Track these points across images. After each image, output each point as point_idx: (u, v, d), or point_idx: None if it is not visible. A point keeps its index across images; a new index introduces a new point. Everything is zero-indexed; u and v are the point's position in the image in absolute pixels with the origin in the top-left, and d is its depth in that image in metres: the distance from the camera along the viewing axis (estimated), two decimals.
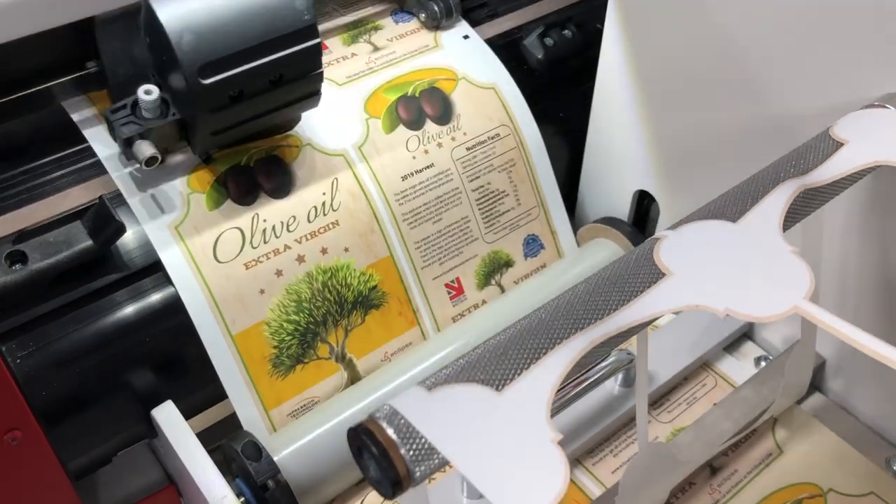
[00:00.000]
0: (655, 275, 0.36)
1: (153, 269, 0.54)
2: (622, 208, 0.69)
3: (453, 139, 0.61)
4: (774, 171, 0.41)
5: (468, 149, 0.62)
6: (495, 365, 0.32)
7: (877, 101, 0.46)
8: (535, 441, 0.30)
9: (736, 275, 0.36)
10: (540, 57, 0.69)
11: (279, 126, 0.56)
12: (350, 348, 0.58)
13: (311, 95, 0.52)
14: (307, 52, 0.49)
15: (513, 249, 0.65)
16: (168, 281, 0.53)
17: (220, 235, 0.53)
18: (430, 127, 0.61)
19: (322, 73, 0.51)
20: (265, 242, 0.54)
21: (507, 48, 0.68)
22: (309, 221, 0.56)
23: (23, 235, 0.50)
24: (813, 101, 0.52)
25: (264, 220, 0.54)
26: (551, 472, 0.29)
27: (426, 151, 0.60)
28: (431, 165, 0.60)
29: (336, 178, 0.57)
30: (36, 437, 0.49)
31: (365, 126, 0.59)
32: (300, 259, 0.55)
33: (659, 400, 0.61)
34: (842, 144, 0.43)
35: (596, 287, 0.36)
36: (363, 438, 0.31)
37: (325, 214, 0.56)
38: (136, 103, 0.50)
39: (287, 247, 0.55)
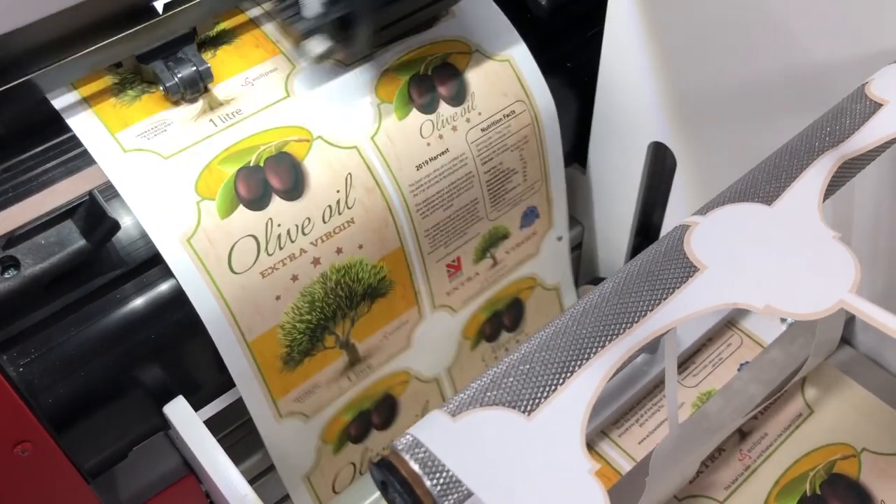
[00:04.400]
0: (688, 269, 0.33)
1: (152, 263, 0.52)
2: (636, 162, 0.66)
3: (468, 121, 0.58)
4: (809, 140, 0.38)
5: (483, 130, 0.58)
6: (522, 384, 0.30)
7: None
8: (570, 472, 0.28)
9: (775, 266, 0.33)
10: (543, 3, 0.65)
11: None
12: (354, 335, 0.56)
13: None
14: None
15: (511, 223, 0.62)
16: (167, 272, 0.50)
17: (234, 245, 0.50)
18: (445, 109, 0.57)
19: None
20: (280, 248, 0.51)
21: None
22: (324, 222, 0.53)
23: (12, 240, 0.48)
24: (840, 50, 0.48)
25: (278, 225, 0.51)
26: None
27: (440, 137, 0.57)
28: (446, 151, 0.57)
29: (350, 174, 0.54)
30: (46, 445, 0.48)
31: (377, 112, 0.56)
32: (315, 262, 0.53)
33: (684, 363, 0.59)
34: (880, 105, 0.39)
35: (624, 285, 0.34)
36: (385, 473, 0.29)
37: (339, 213, 0.53)
38: None
39: (303, 251, 0.52)
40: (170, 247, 0.49)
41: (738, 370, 0.59)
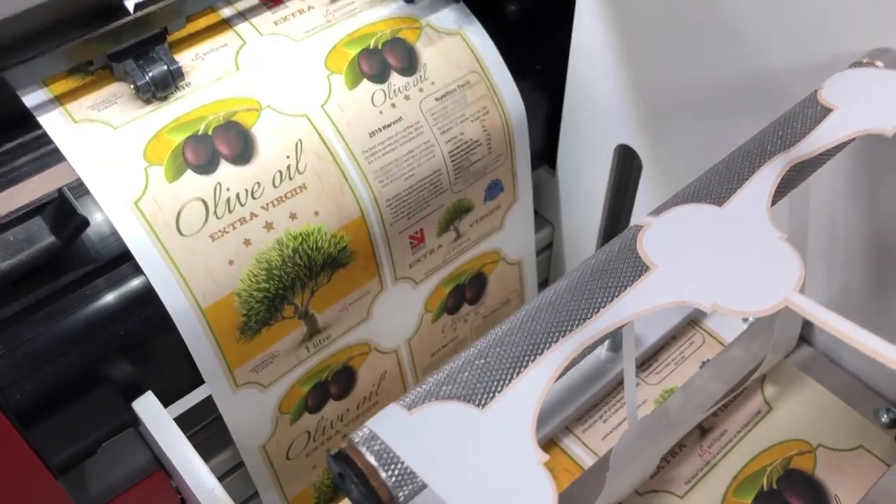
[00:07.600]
0: (639, 268, 0.35)
1: (121, 259, 0.52)
2: (603, 164, 0.67)
3: (421, 90, 0.59)
4: (761, 143, 0.40)
5: (437, 100, 0.60)
6: (476, 378, 0.31)
7: (865, 59, 0.44)
8: (520, 463, 0.29)
9: (723, 266, 0.34)
10: (512, 7, 0.66)
11: None
12: (314, 306, 0.57)
13: None
14: None
15: (475, 195, 0.63)
16: (136, 268, 0.51)
17: (181, 208, 0.51)
18: (396, 79, 0.58)
19: None
20: (230, 212, 0.52)
21: None
22: (275, 186, 0.54)
23: None
24: (799, 55, 0.49)
25: (227, 189, 0.52)
26: (538, 497, 0.28)
27: (393, 105, 0.58)
28: (400, 119, 0.58)
29: (300, 140, 0.55)
30: (14, 442, 0.48)
31: (327, 83, 0.57)
32: (269, 226, 0.53)
33: (647, 361, 0.60)
34: (830, 111, 0.41)
35: (578, 283, 0.35)
36: (342, 465, 0.30)
37: (290, 178, 0.54)
38: None
39: (254, 214, 0.53)
40: (117, 210, 0.50)
41: (700, 368, 0.60)
